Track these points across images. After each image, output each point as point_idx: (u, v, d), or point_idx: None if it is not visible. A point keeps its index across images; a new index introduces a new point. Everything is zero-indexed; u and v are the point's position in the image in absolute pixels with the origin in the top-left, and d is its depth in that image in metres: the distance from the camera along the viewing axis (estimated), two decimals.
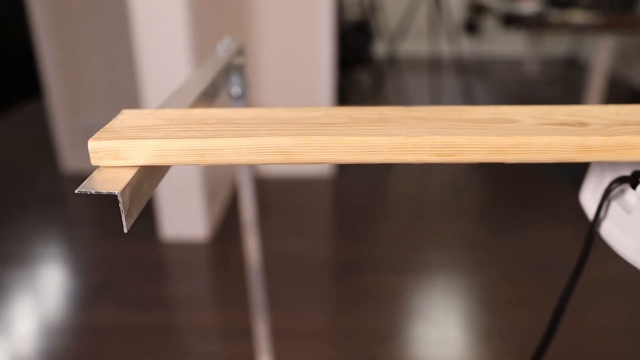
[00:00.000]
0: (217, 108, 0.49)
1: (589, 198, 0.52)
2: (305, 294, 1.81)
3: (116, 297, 1.80)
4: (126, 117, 0.47)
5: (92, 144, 0.42)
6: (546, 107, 0.47)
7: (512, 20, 3.62)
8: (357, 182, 2.71)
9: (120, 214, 0.40)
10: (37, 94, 4.03)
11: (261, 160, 0.41)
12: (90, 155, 0.43)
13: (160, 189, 2.10)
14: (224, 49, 0.84)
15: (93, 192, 0.40)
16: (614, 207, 0.47)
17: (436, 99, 4.01)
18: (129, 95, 2.78)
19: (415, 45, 5.39)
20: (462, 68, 4.65)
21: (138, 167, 0.43)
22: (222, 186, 2.42)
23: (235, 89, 0.93)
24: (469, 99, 3.99)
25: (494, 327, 1.65)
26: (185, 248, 2.10)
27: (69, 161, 2.85)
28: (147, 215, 2.32)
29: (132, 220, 0.42)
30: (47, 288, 1.86)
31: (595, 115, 0.45)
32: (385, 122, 0.43)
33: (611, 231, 0.47)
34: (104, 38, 2.69)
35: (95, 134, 0.44)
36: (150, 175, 0.45)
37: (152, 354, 1.55)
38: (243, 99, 0.94)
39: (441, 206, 2.44)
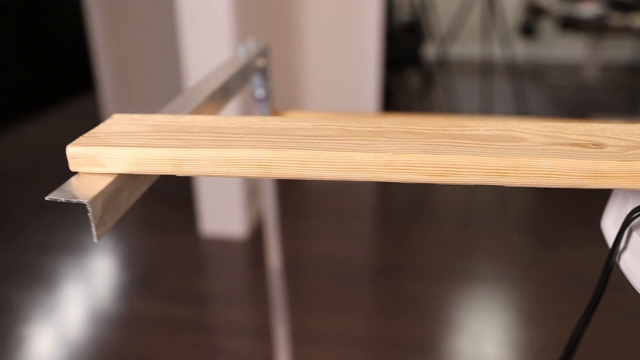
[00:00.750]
0: (208, 115, 0.47)
1: (610, 226, 0.47)
2: (343, 297, 1.78)
3: (155, 290, 1.83)
4: (114, 122, 0.46)
5: (71, 150, 0.41)
6: (561, 123, 0.42)
7: (570, 24, 3.48)
8: (402, 185, 2.65)
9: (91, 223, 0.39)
10: (90, 88, 4.16)
11: (239, 173, 0.39)
12: (69, 161, 0.41)
13: (200, 186, 2.12)
14: (244, 50, 0.82)
15: (63, 199, 0.38)
16: (635, 238, 0.42)
17: (487, 104, 3.90)
18: (175, 90, 2.82)
19: (466, 48, 5.27)
20: (515, 72, 4.50)
21: (116, 175, 0.41)
22: (264, 185, 2.42)
23: (259, 92, 0.91)
24: (521, 105, 3.86)
25: (533, 343, 1.58)
26: (223, 245, 2.11)
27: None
28: (188, 211, 2.35)
29: (104, 230, 0.40)
30: (93, 278, 1.91)
31: (617, 135, 0.41)
32: (377, 136, 0.40)
33: (629, 264, 0.42)
34: (154, 38, 2.74)
35: (77, 139, 0.42)
36: (132, 183, 0.43)
37: (185, 349, 1.56)
38: (266, 102, 0.92)
39: (489, 214, 2.36)
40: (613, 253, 0.44)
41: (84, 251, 2.08)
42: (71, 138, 3.32)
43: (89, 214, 0.38)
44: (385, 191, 2.61)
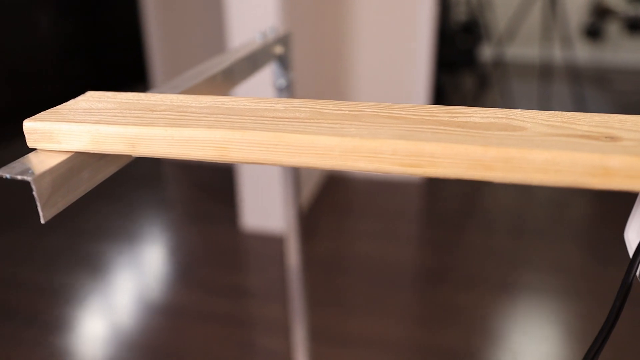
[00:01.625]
0: (183, 95, 0.43)
1: (633, 237, 0.40)
2: (382, 300, 1.72)
3: (194, 281, 1.83)
4: (84, 99, 0.43)
5: (27, 125, 0.38)
6: (573, 113, 0.36)
7: (638, 26, 3.28)
8: (451, 188, 2.56)
9: None
10: (144, 80, 4.25)
11: (194, 155, 0.35)
12: (26, 136, 0.39)
13: (243, 180, 2.11)
14: (261, 36, 0.79)
15: (8, 176, 0.36)
16: None
17: (544, 108, 3.73)
18: None
19: (524, 49, 5.07)
20: (576, 76, 4.29)
21: (72, 153, 0.38)
22: (306, 181, 2.39)
23: (279, 81, 0.87)
24: (581, 110, 3.67)
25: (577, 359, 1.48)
26: (263, 240, 2.09)
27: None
28: (231, 204, 2.35)
29: (54, 210, 0.37)
30: (138, 266, 1.93)
31: (639, 128, 0.34)
32: (351, 119, 0.35)
33: None
34: (205, 34, 2.76)
35: (37, 115, 0.40)
36: (94, 163, 0.40)
37: (217, 341, 1.56)
38: (287, 92, 0.88)
39: (542, 223, 2.24)
40: (633, 267, 0.37)
41: (132, 239, 2.11)
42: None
43: (34, 192, 0.35)
44: (433, 192, 2.52)
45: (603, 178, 0.30)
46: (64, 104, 0.42)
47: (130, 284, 1.83)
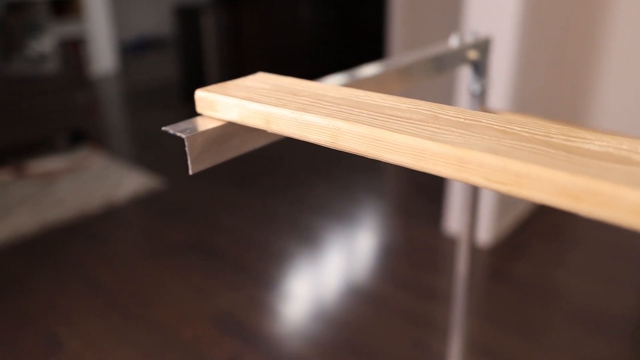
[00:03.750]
0: (329, 85, 0.47)
1: None
2: (580, 347, 1.58)
3: (388, 272, 1.91)
4: (252, 78, 0.50)
5: (198, 94, 0.47)
6: None
7: None
8: None
9: None
10: None
11: (312, 137, 0.39)
12: (196, 103, 0.47)
13: (453, 185, 2.10)
14: (457, 39, 0.79)
15: (171, 132, 0.44)
16: None
17: None
18: (450, 81, 2.82)
19: None
20: None
21: (226, 122, 0.45)
22: (519, 199, 2.28)
23: (473, 87, 0.86)
24: None
25: None
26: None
27: None
28: (439, 205, 2.36)
29: (201, 166, 0.45)
30: (345, 246, 2.08)
31: None
32: (464, 128, 0.35)
33: None
34: (444, 27, 2.78)
35: (208, 86, 0.48)
36: (244, 133, 0.47)
37: (406, 339, 1.60)
38: (479, 98, 0.87)
39: None
40: None
41: (343, 220, 2.27)
42: None
43: (186, 147, 0.43)
44: None
45: None
46: (236, 80, 0.50)
47: (334, 260, 1.97)
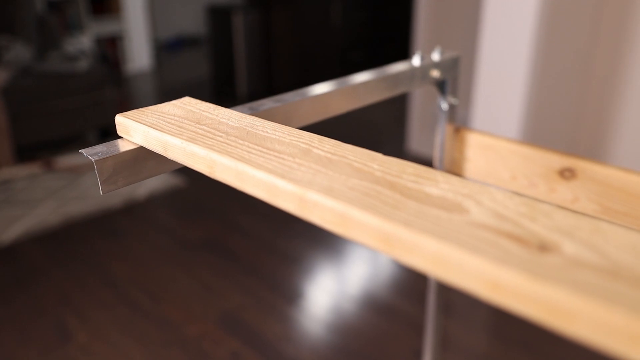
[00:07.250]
0: (233, 112, 0.49)
1: None
2: None
3: (406, 290, 1.91)
4: (174, 103, 0.53)
5: (117, 118, 0.49)
6: (547, 207, 0.31)
7: None
8: None
9: None
10: None
11: (196, 166, 0.42)
12: (117, 127, 0.50)
13: None
14: (418, 59, 0.79)
15: (85, 154, 0.47)
16: None
17: None
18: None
19: None
20: None
21: (139, 146, 0.48)
22: None
23: (442, 105, 0.87)
24: None
25: None
26: None
27: (414, 143, 3.06)
28: None
29: (112, 187, 0.47)
30: (362, 259, 2.10)
31: (608, 241, 0.28)
32: (316, 162, 0.37)
33: None
34: (470, 35, 2.74)
35: (130, 111, 0.51)
36: (160, 157, 0.49)
37: (407, 347, 1.62)
38: (445, 116, 0.87)
39: None
40: None
41: None
42: (381, 118, 3.61)
43: (95, 170, 0.46)
44: None
45: (494, 292, 0.27)
46: (157, 105, 0.52)
47: (350, 268, 1.97)
